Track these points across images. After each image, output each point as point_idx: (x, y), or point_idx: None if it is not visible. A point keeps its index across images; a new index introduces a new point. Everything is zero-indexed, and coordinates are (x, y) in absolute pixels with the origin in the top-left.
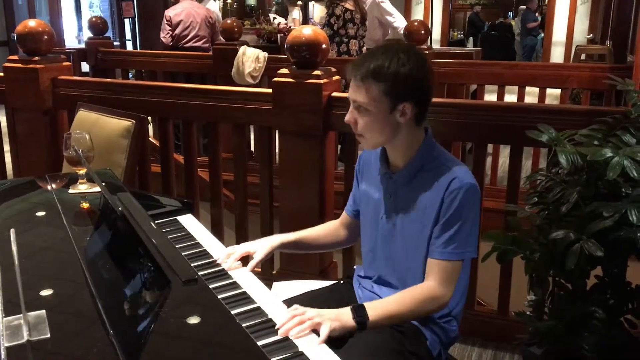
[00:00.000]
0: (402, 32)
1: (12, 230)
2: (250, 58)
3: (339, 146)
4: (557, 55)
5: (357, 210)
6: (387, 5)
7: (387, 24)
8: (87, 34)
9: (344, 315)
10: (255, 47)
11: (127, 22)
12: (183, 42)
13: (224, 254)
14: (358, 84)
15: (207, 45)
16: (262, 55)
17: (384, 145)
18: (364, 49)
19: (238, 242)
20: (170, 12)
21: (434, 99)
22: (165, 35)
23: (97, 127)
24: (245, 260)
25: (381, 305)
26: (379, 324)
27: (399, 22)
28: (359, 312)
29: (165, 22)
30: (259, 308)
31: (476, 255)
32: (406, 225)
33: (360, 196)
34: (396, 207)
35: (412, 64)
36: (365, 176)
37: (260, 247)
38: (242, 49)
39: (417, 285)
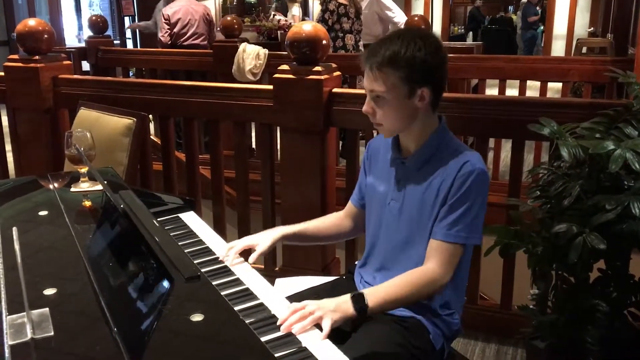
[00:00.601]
0: (401, 26)
1: (14, 229)
2: (251, 55)
3: (340, 142)
4: (558, 48)
5: (363, 200)
6: (387, 0)
7: (387, 19)
8: (87, 32)
9: (344, 305)
10: (255, 44)
11: (127, 20)
12: (182, 40)
13: (226, 248)
14: (375, 73)
15: (205, 42)
16: (263, 52)
17: (401, 132)
18: (361, 44)
19: (240, 239)
20: (168, 11)
21: None
22: (163, 34)
23: (98, 125)
24: (246, 254)
25: (380, 291)
26: (379, 310)
27: (399, 17)
28: (358, 299)
29: (164, 20)
30: (262, 304)
31: (480, 243)
32: (414, 210)
33: (367, 186)
34: (405, 192)
35: (428, 49)
36: (373, 166)
37: (263, 239)
38: (243, 46)
39: (416, 268)
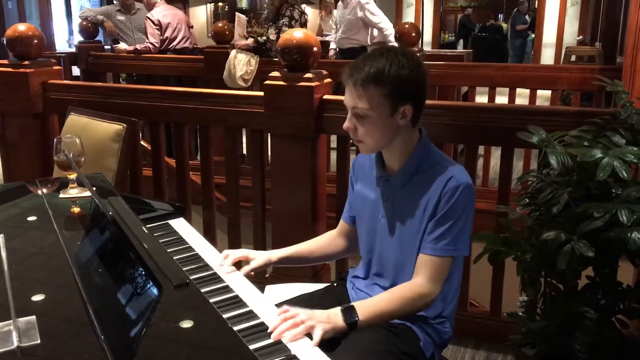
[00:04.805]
0: (391, 36)
1: (1, 235)
2: (242, 61)
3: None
4: (547, 56)
5: (354, 217)
6: (372, 7)
7: (372, 25)
8: (77, 37)
9: (335, 317)
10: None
11: None
12: (174, 44)
13: (222, 256)
14: (358, 90)
15: (191, 45)
16: (254, 58)
17: (382, 149)
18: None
19: (230, 245)
20: (157, 16)
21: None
22: (156, 41)
23: (87, 131)
24: (239, 264)
25: (370, 305)
26: (369, 323)
27: (384, 23)
28: (349, 312)
29: (154, 26)
30: (251, 312)
31: (468, 254)
32: (404, 226)
33: (355, 199)
34: (394, 209)
35: (411, 66)
36: (360, 179)
37: (260, 256)
38: (234, 52)
39: (405, 282)
